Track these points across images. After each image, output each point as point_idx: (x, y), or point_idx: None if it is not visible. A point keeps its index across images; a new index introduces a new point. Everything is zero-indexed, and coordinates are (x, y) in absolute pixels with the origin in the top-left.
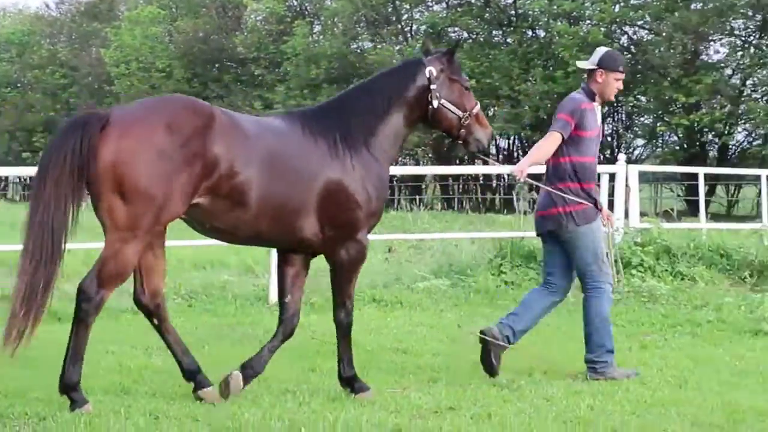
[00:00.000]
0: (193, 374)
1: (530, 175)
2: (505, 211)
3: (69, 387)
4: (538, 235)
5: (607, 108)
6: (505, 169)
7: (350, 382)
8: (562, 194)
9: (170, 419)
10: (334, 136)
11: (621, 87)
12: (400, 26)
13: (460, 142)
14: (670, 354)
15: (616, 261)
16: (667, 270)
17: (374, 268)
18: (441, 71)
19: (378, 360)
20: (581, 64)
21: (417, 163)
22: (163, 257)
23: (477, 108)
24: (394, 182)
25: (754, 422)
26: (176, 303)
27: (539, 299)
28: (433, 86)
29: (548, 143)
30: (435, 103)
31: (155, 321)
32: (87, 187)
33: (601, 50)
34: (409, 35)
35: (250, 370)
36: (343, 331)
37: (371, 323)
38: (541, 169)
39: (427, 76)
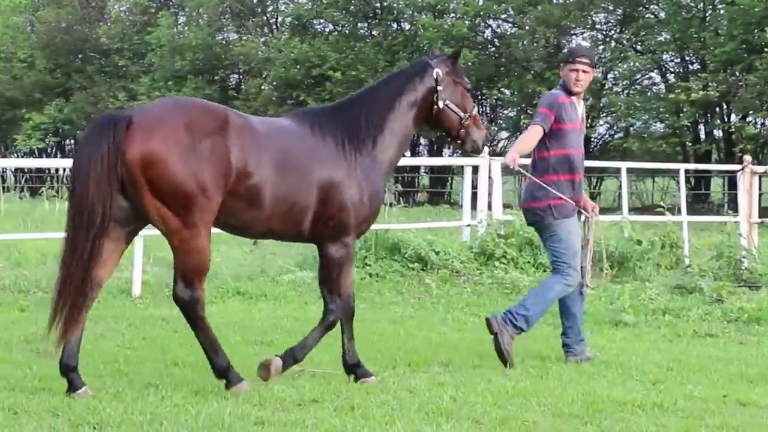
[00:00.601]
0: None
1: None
2: None
3: (223, 371)
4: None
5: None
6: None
7: (353, 369)
8: (547, 187)
9: (29, 414)
10: (343, 137)
11: (580, 78)
12: (265, 18)
13: (458, 141)
14: (532, 345)
15: (598, 251)
16: (529, 262)
17: (239, 261)
18: (447, 74)
19: (242, 353)
20: None
21: None
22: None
23: (475, 110)
24: None
25: (613, 411)
26: (37, 296)
27: (572, 301)
28: (439, 87)
29: (531, 135)
30: (440, 104)
31: None
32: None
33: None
34: (274, 27)
35: (290, 358)
36: (343, 321)
37: (235, 316)
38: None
39: (435, 77)
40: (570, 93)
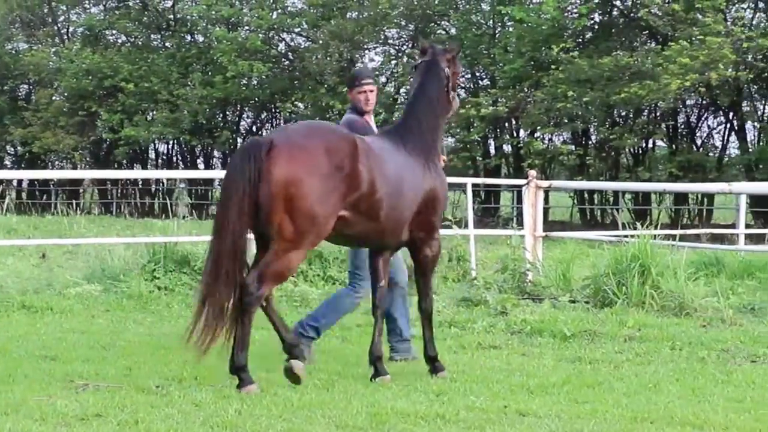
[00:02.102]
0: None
1: None
2: (164, 216)
3: (239, 368)
4: None
5: (265, 114)
6: None
7: (432, 361)
8: None
9: None
10: (420, 148)
11: (369, 98)
12: (56, 28)
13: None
14: (320, 357)
15: None
16: (318, 275)
17: (25, 274)
18: (449, 68)
19: (24, 367)
20: None
21: (74, 167)
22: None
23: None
24: (51, 186)
25: (397, 423)
26: None
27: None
28: (449, 84)
29: None
30: (457, 100)
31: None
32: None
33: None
34: (65, 37)
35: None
36: (428, 317)
37: (19, 330)
38: None
39: (446, 74)
40: (362, 113)
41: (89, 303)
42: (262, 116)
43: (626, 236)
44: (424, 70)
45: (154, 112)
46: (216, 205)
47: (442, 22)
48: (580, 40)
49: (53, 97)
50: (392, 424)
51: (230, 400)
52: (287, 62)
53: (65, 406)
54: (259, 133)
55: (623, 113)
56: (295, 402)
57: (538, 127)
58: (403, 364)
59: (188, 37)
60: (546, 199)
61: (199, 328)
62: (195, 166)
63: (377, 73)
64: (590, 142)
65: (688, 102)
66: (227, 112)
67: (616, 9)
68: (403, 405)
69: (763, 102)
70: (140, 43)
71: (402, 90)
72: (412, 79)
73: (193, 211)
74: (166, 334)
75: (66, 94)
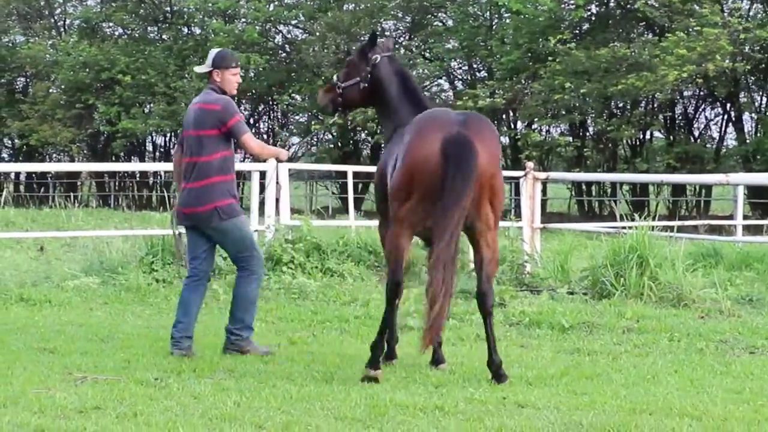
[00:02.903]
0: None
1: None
2: (161, 208)
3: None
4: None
5: (263, 106)
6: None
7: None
8: (214, 189)
9: None
10: None
11: (239, 80)
12: (53, 20)
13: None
14: (318, 350)
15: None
16: (317, 267)
17: (23, 267)
18: None
19: (23, 360)
20: (198, 69)
21: (72, 160)
22: None
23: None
24: (49, 179)
25: (395, 415)
26: None
27: (195, 297)
28: None
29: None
30: None
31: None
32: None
33: (212, 52)
34: (62, 29)
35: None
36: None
37: (18, 322)
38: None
39: None
40: (230, 96)
41: (87, 296)
42: (260, 108)
43: (624, 228)
44: (400, 64)
45: (152, 105)
46: (441, 199)
47: (439, 14)
48: (577, 31)
49: (50, 90)
50: (391, 416)
51: (229, 393)
52: (284, 54)
53: (64, 398)
54: (257, 125)
55: (621, 105)
56: (294, 394)
57: (536, 119)
58: (402, 356)
59: (185, 30)
60: (544, 191)
61: (437, 323)
62: None
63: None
64: (588, 134)
65: (685, 93)
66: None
67: (613, 0)
68: (401, 397)
69: (761, 93)
70: (137, 35)
71: None
72: (389, 72)
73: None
74: (165, 327)
75: (63, 86)
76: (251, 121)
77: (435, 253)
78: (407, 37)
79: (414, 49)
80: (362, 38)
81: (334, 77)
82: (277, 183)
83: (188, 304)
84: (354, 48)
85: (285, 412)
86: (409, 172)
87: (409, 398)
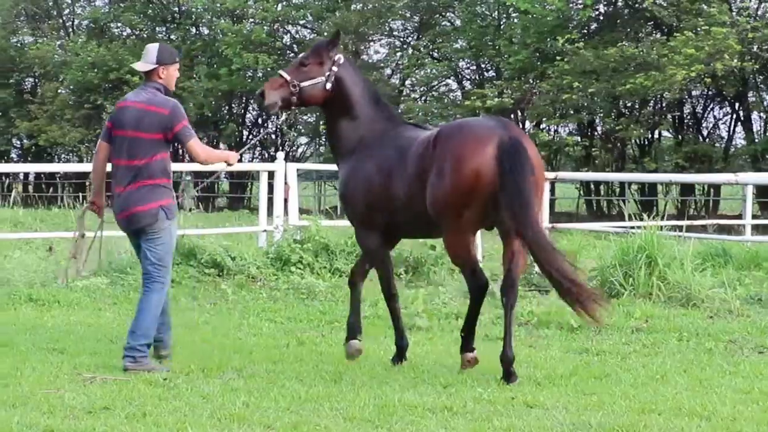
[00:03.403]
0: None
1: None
2: None
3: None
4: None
5: None
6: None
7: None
8: (157, 189)
9: None
10: None
11: (178, 75)
12: (61, 20)
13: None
14: (327, 350)
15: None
16: (325, 267)
17: (32, 267)
18: None
19: (32, 360)
20: (140, 66)
21: (80, 160)
22: None
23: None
24: (57, 179)
25: (404, 415)
26: None
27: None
28: None
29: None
30: None
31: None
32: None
33: (153, 47)
34: (71, 30)
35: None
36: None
37: (27, 323)
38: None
39: None
40: (169, 93)
41: (96, 296)
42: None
43: (633, 227)
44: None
45: None
46: (511, 200)
47: (447, 14)
48: (585, 31)
49: (59, 90)
50: (399, 416)
51: (238, 393)
52: (292, 54)
53: (73, 398)
54: (264, 125)
55: (629, 104)
56: (303, 394)
57: (544, 119)
58: (411, 356)
59: (193, 30)
60: (552, 191)
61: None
62: None
63: (383, 65)
64: (596, 133)
65: (693, 93)
66: (233, 105)
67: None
68: (410, 397)
69: None
70: (145, 35)
71: (407, 82)
72: (352, 75)
73: (200, 204)
74: (173, 327)
75: (71, 87)
76: (259, 121)
77: (528, 241)
78: (415, 37)
79: (422, 49)
80: (370, 38)
81: (283, 73)
82: (286, 183)
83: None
84: (312, 44)
85: (294, 413)
86: (471, 179)
87: (418, 398)
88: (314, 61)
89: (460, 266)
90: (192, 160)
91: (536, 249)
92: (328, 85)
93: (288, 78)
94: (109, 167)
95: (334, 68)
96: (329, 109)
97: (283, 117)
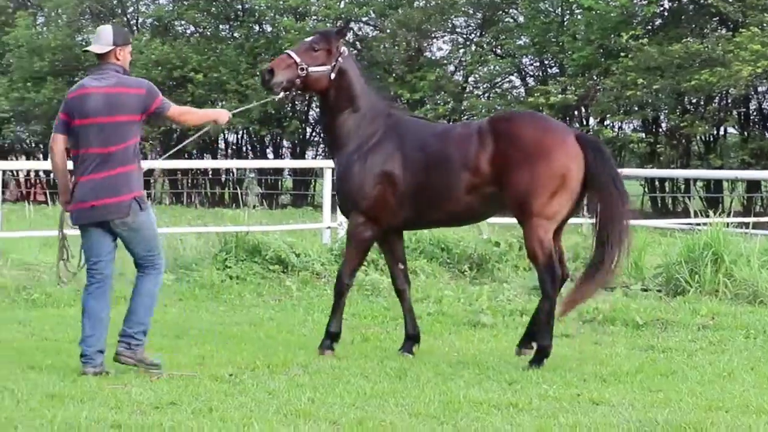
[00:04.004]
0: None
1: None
2: (234, 205)
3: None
4: (84, 225)
5: None
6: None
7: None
8: (131, 178)
9: None
10: None
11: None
12: (125, 19)
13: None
14: (391, 346)
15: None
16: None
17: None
18: None
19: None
20: (96, 49)
21: (145, 157)
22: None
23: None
24: None
25: (469, 411)
26: None
27: (102, 304)
28: None
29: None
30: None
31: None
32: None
33: (107, 29)
34: (135, 28)
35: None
36: None
37: None
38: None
39: None
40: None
41: (162, 292)
42: None
43: (698, 224)
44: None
45: (223, 102)
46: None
47: (510, 10)
48: (649, 27)
49: None
50: (465, 413)
51: (303, 389)
52: (355, 51)
53: (140, 394)
54: None
55: (694, 100)
56: (368, 390)
57: (608, 115)
58: (475, 353)
59: (256, 27)
60: None
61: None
62: (264, 156)
63: (446, 62)
64: (661, 130)
65: (759, 89)
66: (296, 102)
67: None
68: (475, 394)
69: None
70: (209, 33)
71: (470, 79)
72: (354, 68)
73: (263, 201)
74: (238, 323)
75: None
76: None
77: (617, 236)
78: (478, 34)
79: (485, 46)
80: (433, 35)
81: (293, 54)
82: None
83: (96, 314)
84: (320, 32)
85: (359, 408)
86: (561, 171)
87: (483, 395)
88: (324, 48)
89: (542, 256)
90: (178, 124)
91: (618, 242)
92: (333, 75)
93: (298, 60)
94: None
95: (340, 59)
96: (329, 99)
97: (281, 95)
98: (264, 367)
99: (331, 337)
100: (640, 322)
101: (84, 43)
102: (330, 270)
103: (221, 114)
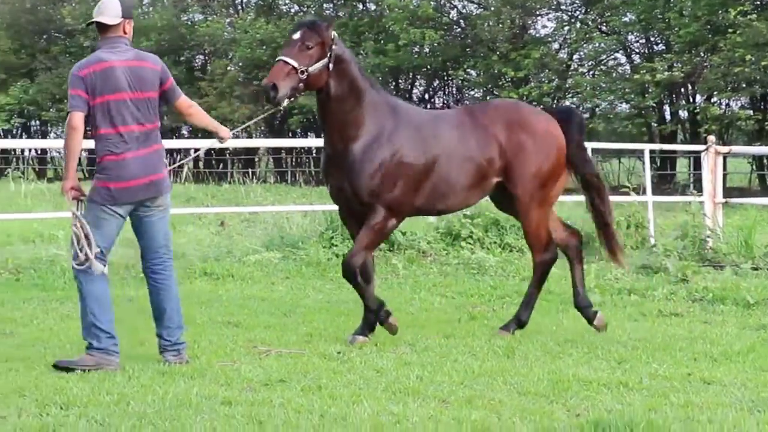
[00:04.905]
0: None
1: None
2: None
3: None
4: (123, 205)
5: (438, 81)
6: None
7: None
8: (161, 157)
9: None
10: None
11: None
12: None
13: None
14: (498, 325)
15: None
16: (495, 242)
17: (205, 242)
18: None
19: (209, 333)
20: (106, 20)
21: (249, 136)
22: None
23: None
24: (227, 155)
25: (579, 390)
26: (3, 278)
27: (105, 287)
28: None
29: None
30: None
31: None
32: None
33: (113, 1)
34: (240, 7)
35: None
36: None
37: (202, 296)
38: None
39: None
40: None
41: (269, 270)
42: (434, 84)
43: None
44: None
45: None
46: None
47: None
48: (758, 2)
49: (228, 68)
50: (574, 392)
51: (411, 367)
52: (459, 30)
53: (249, 371)
54: (432, 101)
55: None
56: (476, 369)
57: (715, 92)
58: (583, 331)
59: (360, 6)
60: (724, 165)
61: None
62: None
63: (550, 39)
64: None
65: None
66: (399, 80)
67: None
68: (584, 372)
69: None
70: (313, 12)
71: (575, 56)
72: (347, 50)
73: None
74: (345, 301)
75: (240, 64)
76: (425, 97)
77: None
78: (583, 11)
79: (590, 23)
80: (538, 13)
81: (289, 60)
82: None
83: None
84: (307, 26)
85: (468, 387)
86: (561, 157)
87: (592, 374)
88: (317, 42)
89: (540, 239)
90: (182, 115)
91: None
92: (331, 66)
93: (296, 65)
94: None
95: (334, 47)
96: (330, 90)
97: (285, 104)
98: (371, 345)
99: (372, 319)
100: (750, 301)
101: (190, 23)
102: (436, 248)
103: (224, 131)
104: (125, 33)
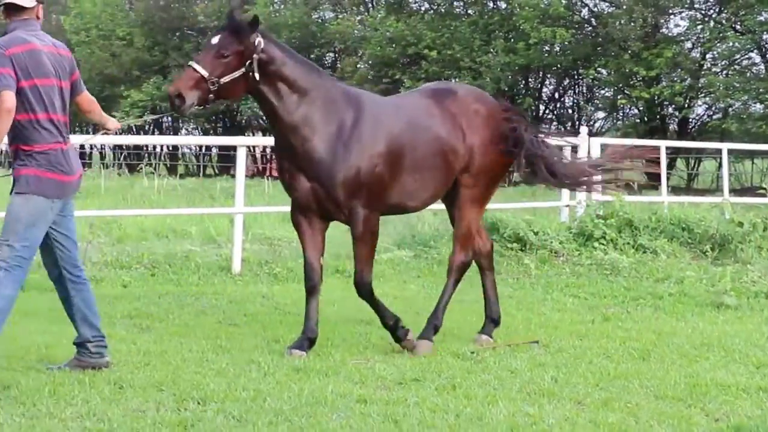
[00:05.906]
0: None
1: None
2: None
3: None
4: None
5: (568, 80)
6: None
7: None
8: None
9: (135, 389)
10: None
11: None
12: None
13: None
14: (633, 327)
15: None
16: (629, 243)
17: (337, 240)
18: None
19: (342, 331)
20: (22, 1)
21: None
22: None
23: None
24: None
25: (717, 395)
26: (139, 272)
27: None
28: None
29: None
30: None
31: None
32: None
33: None
34: (370, 5)
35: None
36: None
37: (335, 294)
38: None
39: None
40: None
41: (401, 268)
42: (565, 83)
43: None
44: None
45: (457, 79)
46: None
47: None
48: None
49: (358, 65)
50: (712, 396)
51: (546, 368)
52: (590, 28)
53: (383, 369)
54: (562, 99)
55: None
56: (612, 371)
57: None
58: (720, 335)
59: (490, 4)
60: None
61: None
62: None
63: (683, 38)
64: None
65: None
66: (529, 79)
67: None
68: (722, 376)
69: None
70: (443, 10)
71: (708, 56)
72: (279, 53)
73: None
74: (477, 300)
75: (370, 61)
76: (556, 95)
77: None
78: (717, 10)
79: (724, 22)
80: (671, 12)
81: (198, 68)
82: (589, 157)
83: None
84: (228, 29)
85: (603, 389)
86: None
87: (731, 378)
88: (234, 51)
89: (470, 240)
90: (81, 111)
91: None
92: (256, 75)
93: (205, 74)
94: None
95: (261, 55)
96: (267, 95)
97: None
98: (504, 346)
99: (394, 328)
100: None
101: (320, 21)
102: (568, 248)
103: (110, 121)
104: (38, 18)
